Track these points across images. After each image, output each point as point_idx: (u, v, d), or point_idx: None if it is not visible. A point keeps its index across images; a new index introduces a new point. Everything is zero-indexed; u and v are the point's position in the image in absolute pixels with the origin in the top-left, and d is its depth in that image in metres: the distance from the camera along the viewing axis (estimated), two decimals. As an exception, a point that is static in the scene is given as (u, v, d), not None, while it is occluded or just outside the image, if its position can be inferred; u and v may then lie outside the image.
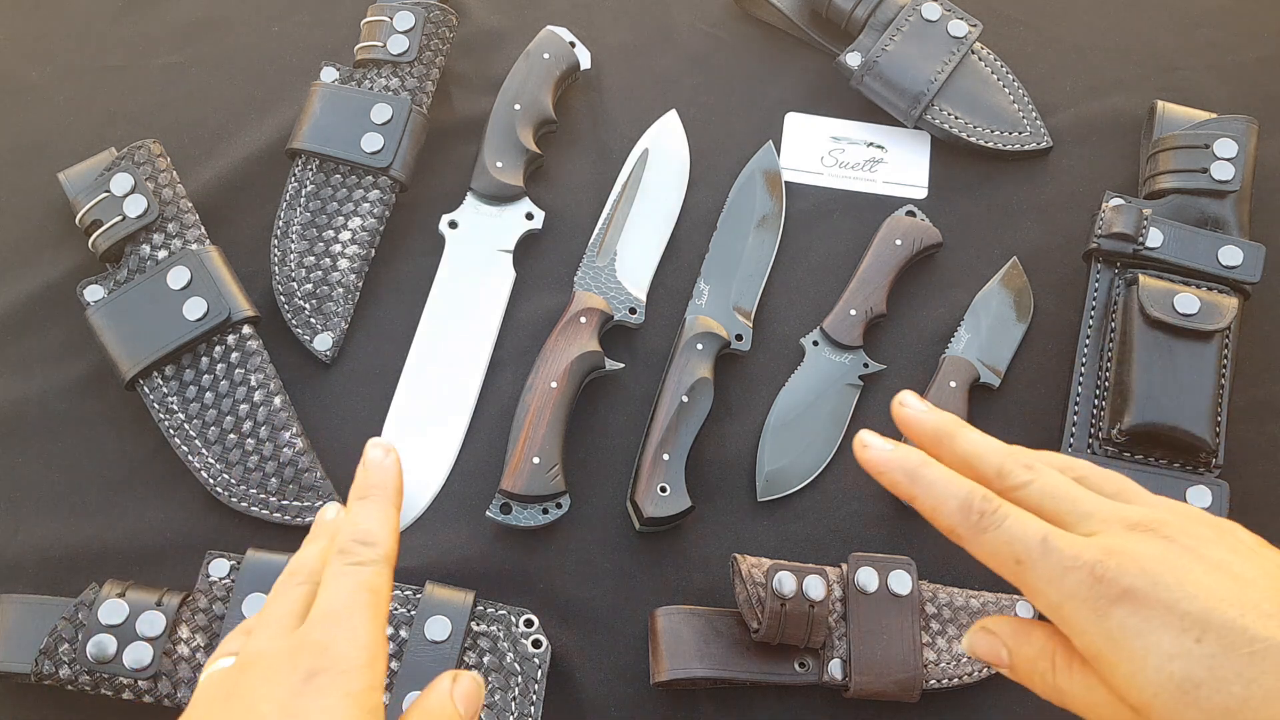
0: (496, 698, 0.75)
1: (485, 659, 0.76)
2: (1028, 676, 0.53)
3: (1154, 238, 0.87)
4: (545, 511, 0.82)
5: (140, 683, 0.73)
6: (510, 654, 0.77)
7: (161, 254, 0.87)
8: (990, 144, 0.95)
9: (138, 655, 0.73)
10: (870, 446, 0.57)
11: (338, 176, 0.91)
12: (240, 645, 0.55)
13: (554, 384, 0.84)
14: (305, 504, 0.82)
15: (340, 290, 0.89)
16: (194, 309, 0.84)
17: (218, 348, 0.85)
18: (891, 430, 0.88)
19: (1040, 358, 0.90)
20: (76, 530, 0.83)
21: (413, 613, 0.77)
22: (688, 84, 1.00)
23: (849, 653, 0.76)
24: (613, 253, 0.91)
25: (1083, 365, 0.87)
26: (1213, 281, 0.86)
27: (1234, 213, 0.89)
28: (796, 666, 0.76)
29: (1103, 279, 0.89)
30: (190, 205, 0.89)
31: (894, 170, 0.97)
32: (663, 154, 0.96)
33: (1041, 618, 0.53)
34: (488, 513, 0.82)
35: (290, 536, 0.82)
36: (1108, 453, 0.83)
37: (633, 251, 0.92)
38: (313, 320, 0.88)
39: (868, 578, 0.78)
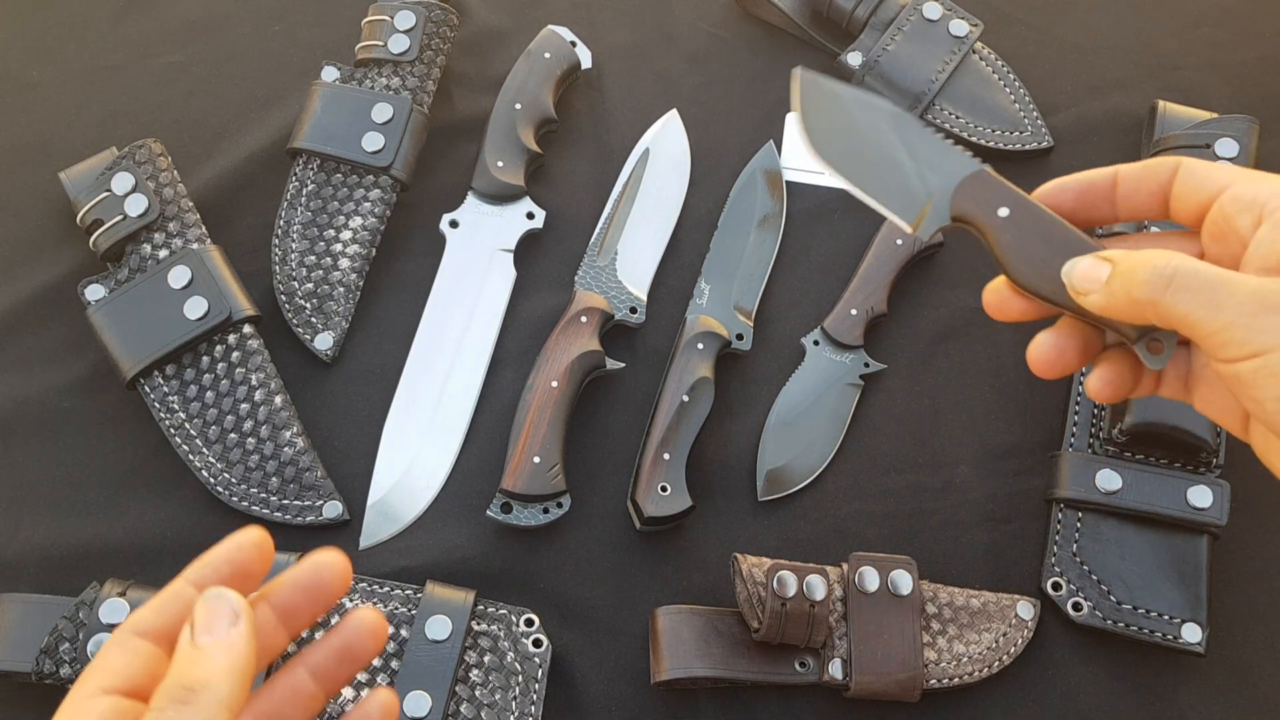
0: (497, 697, 0.75)
1: (486, 658, 0.76)
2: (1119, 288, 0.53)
3: (1155, 237, 0.87)
4: (546, 511, 0.82)
5: (141, 682, 0.73)
6: (511, 653, 0.77)
7: (162, 253, 0.87)
8: (991, 143, 0.95)
9: (138, 654, 0.72)
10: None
11: (339, 176, 0.91)
12: None
13: (555, 383, 0.84)
14: (306, 503, 0.82)
15: (341, 289, 0.89)
16: (195, 308, 0.84)
17: (218, 347, 0.85)
18: (889, 433, 0.88)
19: (1041, 357, 0.90)
20: (77, 530, 0.83)
21: (413, 612, 0.77)
22: (689, 83, 1.00)
23: (850, 652, 0.76)
24: (614, 252, 0.91)
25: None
26: (1213, 281, 0.86)
27: (1235, 212, 0.89)
28: (797, 666, 0.76)
29: (1103, 279, 0.89)
30: (191, 204, 0.89)
31: (895, 170, 0.97)
32: (664, 153, 0.96)
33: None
34: (488, 512, 0.82)
35: (290, 536, 0.82)
36: (1108, 452, 0.83)
37: (634, 251, 0.92)
38: (313, 319, 0.88)
39: (868, 577, 0.78)
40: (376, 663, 0.75)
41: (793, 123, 0.99)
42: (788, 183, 0.96)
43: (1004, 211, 0.58)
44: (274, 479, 0.82)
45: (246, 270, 0.89)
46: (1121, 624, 0.79)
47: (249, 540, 0.51)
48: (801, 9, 1.00)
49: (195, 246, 0.87)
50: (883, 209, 0.60)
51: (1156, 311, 0.51)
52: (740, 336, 0.89)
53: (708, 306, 0.90)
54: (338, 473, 0.85)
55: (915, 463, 0.87)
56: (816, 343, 0.89)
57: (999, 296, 0.59)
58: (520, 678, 0.76)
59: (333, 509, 0.82)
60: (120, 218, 0.87)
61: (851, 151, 0.61)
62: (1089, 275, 0.55)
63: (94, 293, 0.86)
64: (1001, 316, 0.59)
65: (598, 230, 0.92)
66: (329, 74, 0.93)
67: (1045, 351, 0.58)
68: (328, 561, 0.52)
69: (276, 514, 0.82)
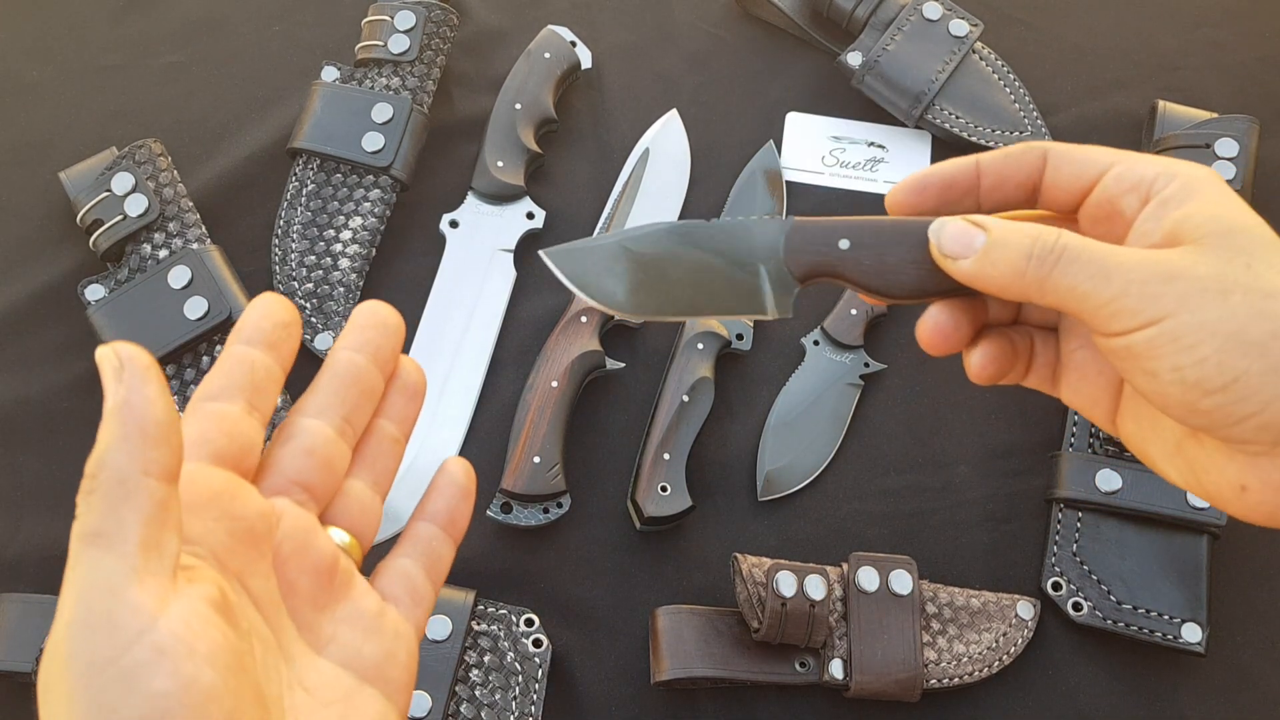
0: (497, 697, 0.75)
1: (486, 658, 0.76)
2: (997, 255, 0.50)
3: (1155, 237, 0.87)
4: (546, 511, 0.82)
5: (141, 682, 0.73)
6: (511, 653, 0.77)
7: (162, 253, 0.87)
8: (991, 143, 0.95)
9: (138, 654, 0.72)
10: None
11: (338, 176, 0.91)
12: None
13: (555, 383, 0.84)
14: (306, 503, 0.82)
15: (341, 290, 0.89)
16: (195, 308, 0.84)
17: (218, 347, 0.85)
18: (889, 433, 0.88)
19: (1041, 357, 0.90)
20: (77, 529, 0.82)
21: (413, 612, 0.77)
22: (688, 83, 1.00)
23: (849, 652, 0.76)
24: (613, 252, 0.91)
25: (1083, 365, 0.87)
26: (1213, 281, 0.86)
27: (1235, 212, 0.89)
28: (797, 666, 0.76)
29: (1103, 279, 0.89)
30: (191, 204, 0.89)
31: (895, 170, 0.97)
32: (664, 153, 0.96)
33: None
34: (488, 512, 0.82)
35: (291, 536, 0.82)
36: (1108, 452, 0.83)
37: (633, 251, 0.92)
38: (313, 320, 0.88)
39: (868, 577, 0.78)
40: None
41: (792, 122, 0.99)
42: (788, 183, 0.96)
43: (844, 244, 0.54)
44: (274, 479, 0.82)
45: (246, 270, 0.89)
46: (1121, 624, 0.79)
47: (267, 299, 0.48)
48: (801, 9, 1.00)
49: (195, 246, 0.87)
50: (732, 316, 0.55)
51: (1042, 288, 0.49)
52: (740, 336, 0.89)
53: (708, 306, 0.89)
54: (338, 473, 0.84)
55: (915, 463, 0.87)
56: (816, 343, 0.89)
57: None
58: (520, 678, 0.76)
59: (333, 509, 0.82)
60: (120, 218, 0.87)
61: (661, 288, 0.55)
62: (960, 239, 0.51)
63: (94, 293, 0.86)
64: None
65: (598, 230, 0.92)
66: (329, 74, 0.94)
67: (940, 325, 0.54)
68: (370, 305, 0.51)
69: (276, 514, 0.82)
